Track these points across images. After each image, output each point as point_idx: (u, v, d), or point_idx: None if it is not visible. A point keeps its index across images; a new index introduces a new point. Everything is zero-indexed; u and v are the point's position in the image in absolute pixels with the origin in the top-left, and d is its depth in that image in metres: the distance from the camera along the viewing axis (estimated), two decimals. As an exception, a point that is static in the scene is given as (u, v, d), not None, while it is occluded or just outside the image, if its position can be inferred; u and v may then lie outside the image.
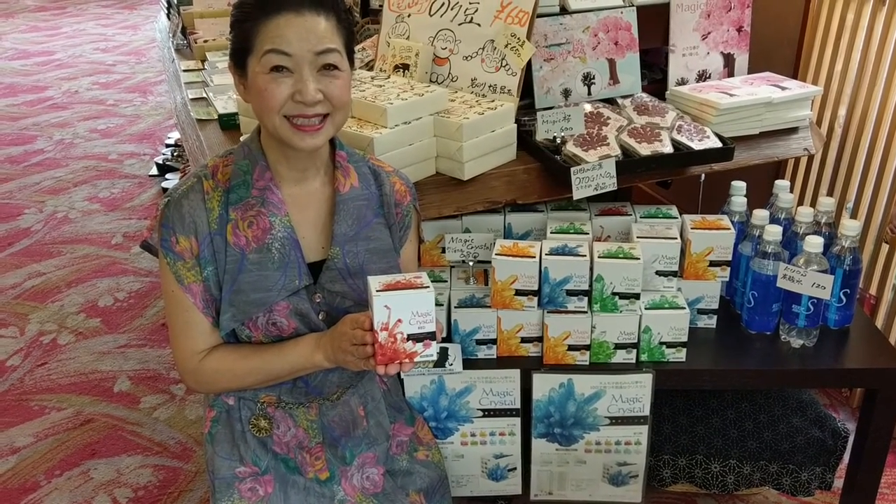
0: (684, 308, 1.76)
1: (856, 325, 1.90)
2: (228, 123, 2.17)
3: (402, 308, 1.30)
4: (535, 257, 1.70)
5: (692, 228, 1.80)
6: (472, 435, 1.82)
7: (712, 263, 1.81)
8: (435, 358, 1.34)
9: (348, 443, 1.58)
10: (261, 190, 1.43)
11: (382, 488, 1.60)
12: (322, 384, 1.53)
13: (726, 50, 2.25)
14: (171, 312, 1.46)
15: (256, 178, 1.43)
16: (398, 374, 1.42)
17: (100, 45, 7.43)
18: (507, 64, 1.91)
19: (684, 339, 1.77)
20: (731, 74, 2.27)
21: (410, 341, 1.32)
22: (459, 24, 1.99)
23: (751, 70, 2.29)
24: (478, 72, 1.96)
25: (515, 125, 1.88)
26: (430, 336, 1.32)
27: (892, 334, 2.41)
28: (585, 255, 1.71)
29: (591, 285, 1.72)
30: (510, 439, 1.83)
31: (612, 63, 2.11)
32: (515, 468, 1.86)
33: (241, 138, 1.74)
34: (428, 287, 1.32)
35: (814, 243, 1.73)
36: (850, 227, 1.79)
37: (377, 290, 1.31)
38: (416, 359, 1.33)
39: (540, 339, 1.79)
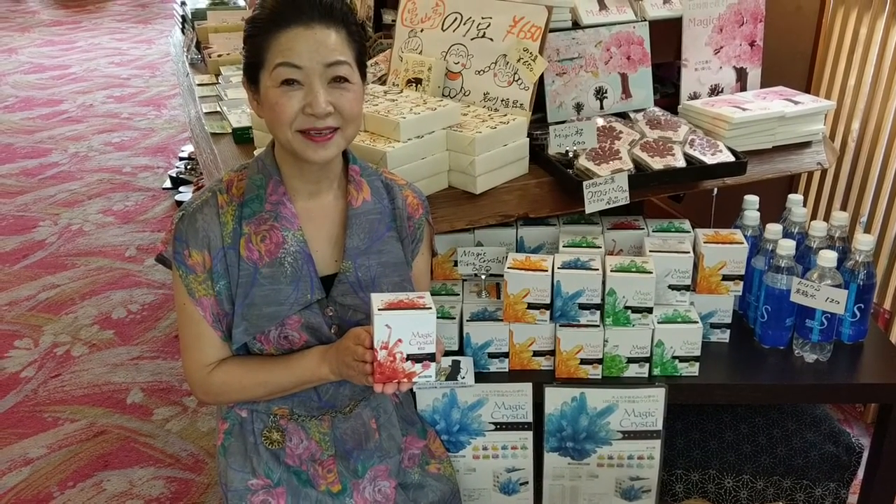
0: (697, 322, 1.75)
1: (870, 339, 1.89)
2: (242, 137, 2.18)
3: (402, 328, 1.29)
4: (547, 271, 1.70)
5: (705, 242, 1.80)
6: (484, 448, 1.82)
7: (725, 277, 1.80)
8: (433, 379, 1.34)
9: (360, 455, 1.58)
10: (274, 204, 1.44)
11: (394, 501, 1.60)
12: (335, 397, 1.54)
13: (739, 64, 2.25)
14: (182, 325, 1.48)
15: (270, 192, 1.44)
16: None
17: (114, 59, 7.49)
18: (519, 78, 1.92)
19: (697, 353, 1.76)
20: (743, 89, 2.27)
21: (410, 361, 1.31)
22: (472, 39, 2.00)
23: (763, 84, 2.28)
24: (490, 86, 1.97)
25: (528, 139, 1.89)
26: (430, 357, 1.32)
27: (907, 349, 2.39)
28: (598, 269, 1.70)
29: (603, 299, 1.72)
30: (522, 453, 1.82)
31: (624, 77, 2.11)
32: (527, 482, 1.85)
33: (255, 152, 1.76)
34: (430, 308, 1.31)
35: (827, 258, 1.72)
36: (863, 242, 1.78)
37: (379, 309, 1.30)
38: (415, 379, 1.32)
39: (552, 353, 1.79)
